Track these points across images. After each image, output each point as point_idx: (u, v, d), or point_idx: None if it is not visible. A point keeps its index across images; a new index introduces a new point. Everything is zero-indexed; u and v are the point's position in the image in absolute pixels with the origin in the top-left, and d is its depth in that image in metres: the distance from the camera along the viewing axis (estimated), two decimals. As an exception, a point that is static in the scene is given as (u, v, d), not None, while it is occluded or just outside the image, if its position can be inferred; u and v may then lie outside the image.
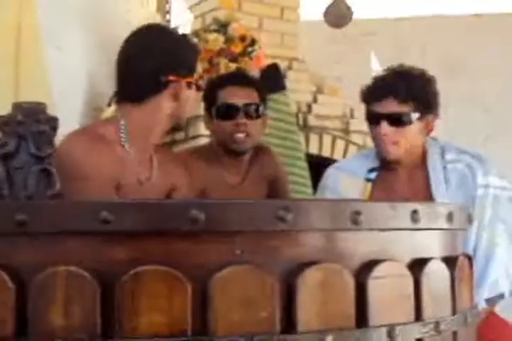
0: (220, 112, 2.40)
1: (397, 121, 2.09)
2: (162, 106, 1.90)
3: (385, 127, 2.09)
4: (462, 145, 2.24)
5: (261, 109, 2.43)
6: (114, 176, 1.81)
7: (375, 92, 2.14)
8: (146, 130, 1.91)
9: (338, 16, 4.93)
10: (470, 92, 5.53)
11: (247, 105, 2.38)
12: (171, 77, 1.88)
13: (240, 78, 2.59)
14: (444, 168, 2.15)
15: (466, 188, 2.12)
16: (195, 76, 1.95)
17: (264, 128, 2.57)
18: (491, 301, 2.10)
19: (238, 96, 2.39)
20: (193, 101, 1.95)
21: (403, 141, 2.11)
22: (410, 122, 2.10)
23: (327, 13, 4.97)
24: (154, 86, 1.88)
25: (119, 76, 1.93)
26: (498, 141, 5.37)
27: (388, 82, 2.12)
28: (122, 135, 1.88)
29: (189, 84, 1.92)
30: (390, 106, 2.09)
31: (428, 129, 2.17)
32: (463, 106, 5.39)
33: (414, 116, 2.11)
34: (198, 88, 1.97)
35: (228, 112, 2.38)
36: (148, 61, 1.87)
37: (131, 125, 1.89)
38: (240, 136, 2.36)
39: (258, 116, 2.41)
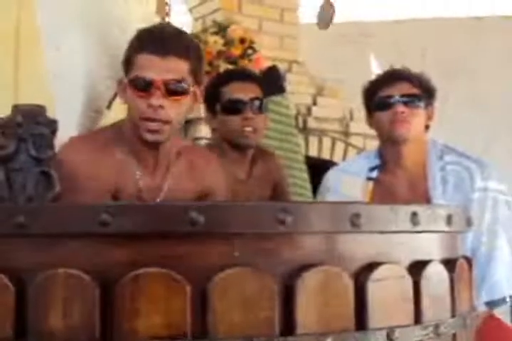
0: (226, 108, 2.40)
1: (411, 101, 2.18)
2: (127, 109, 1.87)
3: (400, 106, 2.16)
4: (463, 149, 2.26)
5: (264, 103, 2.44)
6: (111, 187, 1.76)
7: (388, 78, 2.24)
8: (134, 136, 1.82)
9: (326, 18, 4.88)
10: (470, 94, 5.54)
11: (252, 100, 2.39)
12: (120, 80, 1.84)
13: (242, 74, 2.59)
14: (443, 169, 2.17)
15: (463, 191, 2.13)
16: (133, 74, 1.77)
17: (265, 126, 2.57)
18: (492, 304, 2.10)
19: (244, 92, 2.40)
20: (135, 101, 1.77)
21: (414, 122, 2.17)
22: (421, 105, 2.19)
23: (319, 19, 4.93)
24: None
25: None
26: (498, 142, 5.38)
27: (399, 70, 2.26)
28: (120, 140, 1.83)
29: (125, 84, 1.81)
30: (404, 88, 2.19)
31: (428, 122, 2.24)
32: (463, 108, 5.39)
33: (422, 102, 2.21)
34: (135, 86, 1.78)
35: (235, 107, 2.38)
36: None
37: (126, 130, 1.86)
38: (249, 129, 2.37)
39: (262, 111, 2.43)
